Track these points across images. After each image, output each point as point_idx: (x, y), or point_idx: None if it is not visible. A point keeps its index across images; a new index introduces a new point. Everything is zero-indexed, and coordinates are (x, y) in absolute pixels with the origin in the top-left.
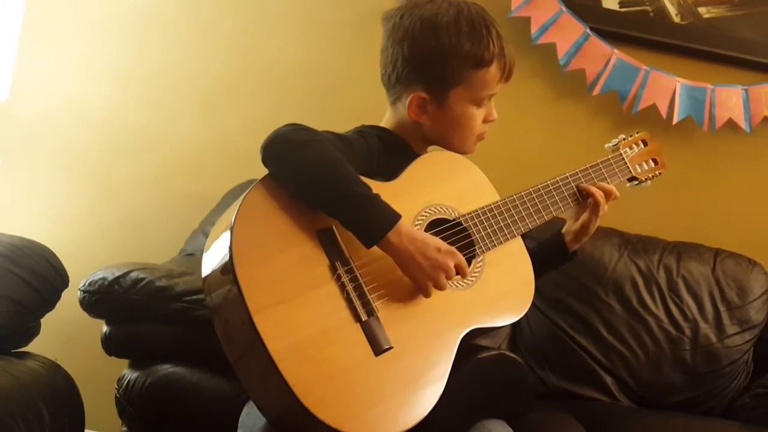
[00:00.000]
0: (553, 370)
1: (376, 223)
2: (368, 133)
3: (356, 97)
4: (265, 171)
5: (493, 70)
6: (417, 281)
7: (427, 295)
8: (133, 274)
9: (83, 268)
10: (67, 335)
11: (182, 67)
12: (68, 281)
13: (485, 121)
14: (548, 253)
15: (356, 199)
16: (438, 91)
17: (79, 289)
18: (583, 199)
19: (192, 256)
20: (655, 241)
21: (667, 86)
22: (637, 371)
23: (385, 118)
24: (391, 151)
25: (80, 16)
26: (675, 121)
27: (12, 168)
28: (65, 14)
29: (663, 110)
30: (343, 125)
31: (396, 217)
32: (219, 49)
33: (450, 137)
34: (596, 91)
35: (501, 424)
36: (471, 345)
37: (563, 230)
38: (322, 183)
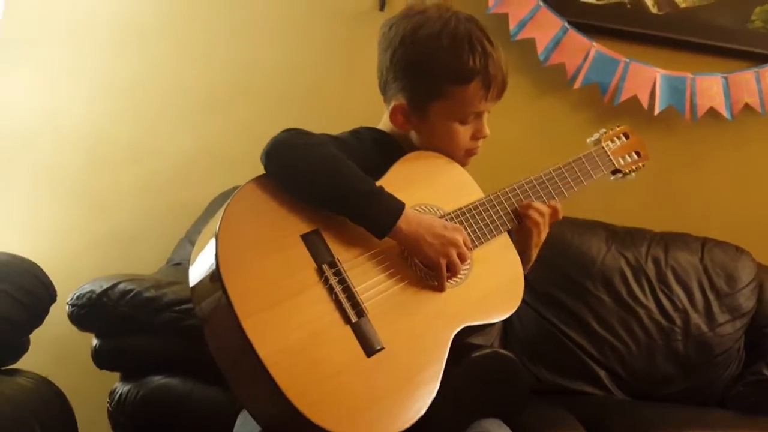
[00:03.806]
0: (546, 366)
1: (386, 214)
2: (363, 135)
3: (337, 98)
4: (248, 177)
5: (474, 87)
6: (430, 261)
7: (440, 275)
8: (121, 286)
9: (71, 283)
10: (56, 350)
11: (161, 77)
12: (56, 296)
13: (474, 137)
14: None
15: (363, 195)
16: (418, 103)
17: (68, 303)
18: (518, 221)
19: (179, 266)
20: (642, 232)
21: (647, 77)
22: (630, 363)
23: (382, 120)
24: (386, 154)
25: (57, 29)
26: (657, 111)
27: None
28: (42, 28)
29: (644, 101)
30: (326, 127)
31: (402, 205)
32: (197, 58)
33: (435, 149)
34: (577, 84)
35: (498, 424)
36: (464, 344)
37: None
38: (328, 183)
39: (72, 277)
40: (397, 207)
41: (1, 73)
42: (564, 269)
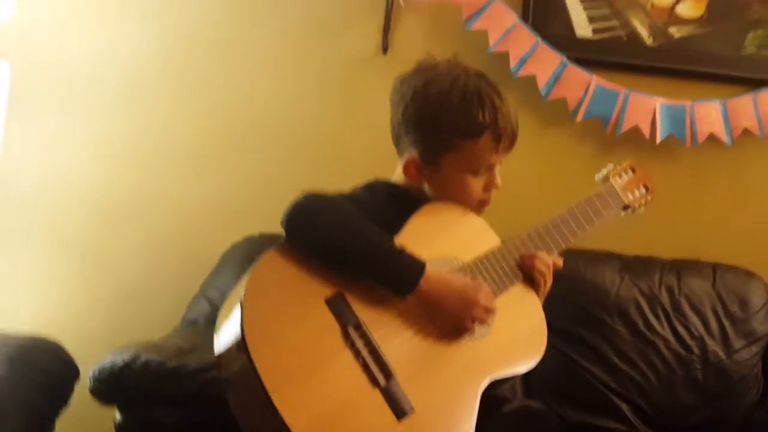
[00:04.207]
0: (569, 403)
1: (407, 275)
2: (377, 189)
3: (343, 143)
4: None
5: (484, 140)
6: (454, 322)
7: (466, 333)
8: (143, 357)
9: (84, 346)
10: (77, 426)
11: (167, 129)
12: (79, 374)
13: (487, 188)
14: None
15: (384, 256)
16: (430, 157)
17: (90, 377)
18: (526, 271)
19: (195, 325)
20: (654, 260)
21: (647, 107)
22: (651, 395)
23: (396, 172)
24: (401, 207)
25: (62, 88)
26: (658, 140)
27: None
28: (48, 88)
29: (645, 131)
30: (331, 171)
31: (422, 265)
32: (202, 107)
33: (448, 200)
34: (579, 117)
35: None
36: (493, 397)
37: None
38: (349, 247)
39: (85, 340)
40: (418, 267)
41: (8, 133)
42: (580, 303)
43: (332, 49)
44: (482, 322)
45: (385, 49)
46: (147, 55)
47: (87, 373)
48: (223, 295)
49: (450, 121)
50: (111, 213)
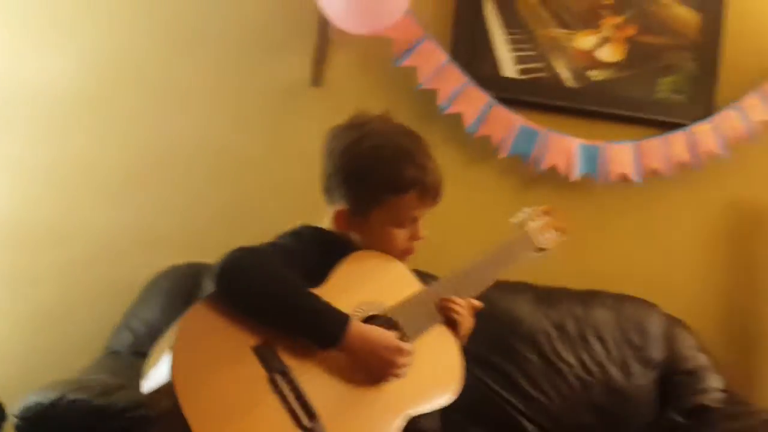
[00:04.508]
0: (481, 424)
1: (331, 330)
2: (305, 236)
3: (267, 173)
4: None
5: (410, 196)
6: (373, 374)
7: (385, 382)
8: (70, 396)
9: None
10: None
11: (87, 155)
12: (7, 415)
13: (411, 239)
14: None
15: (310, 315)
16: (359, 209)
17: (14, 416)
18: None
19: (118, 354)
20: (563, 291)
21: (565, 146)
22: (556, 416)
23: (324, 220)
24: (328, 252)
25: None
26: (573, 177)
27: None
28: None
29: (563, 169)
30: (263, 203)
31: (345, 321)
32: (125, 134)
33: (374, 249)
34: (502, 154)
35: None
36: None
37: None
38: (276, 306)
39: (2, 365)
40: (341, 324)
41: None
42: (494, 331)
43: (263, 80)
44: (399, 377)
45: (316, 82)
46: (67, 81)
47: (7, 402)
48: (147, 326)
49: (379, 178)
50: (29, 240)
